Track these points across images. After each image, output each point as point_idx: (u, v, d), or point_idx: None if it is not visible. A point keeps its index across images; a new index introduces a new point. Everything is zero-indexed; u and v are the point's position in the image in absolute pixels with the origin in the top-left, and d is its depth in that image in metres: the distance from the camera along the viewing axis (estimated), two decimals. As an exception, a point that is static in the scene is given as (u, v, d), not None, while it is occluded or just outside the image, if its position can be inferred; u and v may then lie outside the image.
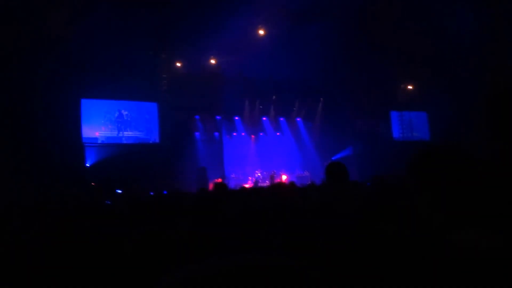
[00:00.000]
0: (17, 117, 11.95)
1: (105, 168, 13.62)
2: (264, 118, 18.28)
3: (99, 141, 14.54)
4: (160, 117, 15.53)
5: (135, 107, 15.39)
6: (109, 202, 7.18)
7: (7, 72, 11.67)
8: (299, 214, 2.76)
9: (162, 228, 2.67)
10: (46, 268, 2.22)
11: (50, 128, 12.29)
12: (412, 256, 1.15)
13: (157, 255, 2.21)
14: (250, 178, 16.75)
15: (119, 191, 10.86)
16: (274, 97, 17.61)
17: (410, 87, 18.37)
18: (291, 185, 4.15)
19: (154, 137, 15.50)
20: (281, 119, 18.55)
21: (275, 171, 16.69)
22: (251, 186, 14.76)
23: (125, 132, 15.08)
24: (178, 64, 15.41)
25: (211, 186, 14.78)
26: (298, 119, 18.68)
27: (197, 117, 16.58)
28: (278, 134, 18.68)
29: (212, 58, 15.33)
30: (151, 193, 10.23)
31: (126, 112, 15.16)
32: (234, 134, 17.92)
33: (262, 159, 17.68)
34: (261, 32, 14.22)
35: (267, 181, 16.16)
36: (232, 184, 15.49)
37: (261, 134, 18.42)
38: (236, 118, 17.73)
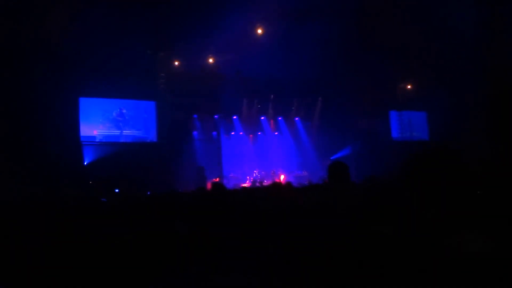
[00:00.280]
0: (15, 115, 11.93)
1: (103, 166, 13.61)
2: (262, 118, 18.27)
3: (97, 140, 14.51)
4: (158, 116, 15.51)
5: (133, 106, 15.37)
6: (104, 200, 7.16)
7: (5, 71, 11.63)
8: (298, 215, 2.75)
9: (160, 228, 2.66)
10: (43, 266, 2.22)
11: (48, 126, 12.27)
12: (406, 256, 1.15)
13: (155, 254, 2.20)
14: (248, 177, 16.74)
15: (117, 190, 10.86)
16: (272, 96, 17.60)
17: (409, 87, 18.39)
18: (288, 185, 4.15)
19: (152, 136, 15.48)
20: (280, 118, 18.54)
21: (274, 170, 16.69)
22: (249, 186, 14.77)
23: (122, 131, 15.06)
24: (176, 63, 15.39)
25: (209, 185, 14.78)
26: (297, 118, 18.67)
27: (195, 116, 16.57)
28: (276, 133, 18.68)
29: (210, 57, 15.32)
30: (148, 192, 10.23)
31: (124, 111, 15.14)
32: (232, 133, 17.90)
33: (260, 159, 17.68)
34: (260, 31, 14.21)
35: (265, 180, 16.16)
36: (230, 183, 15.50)
37: (259, 133, 18.41)
38: (234, 117, 17.72)
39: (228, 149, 17.43)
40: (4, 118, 11.67)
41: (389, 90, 17.85)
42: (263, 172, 16.91)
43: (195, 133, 16.63)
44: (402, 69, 16.50)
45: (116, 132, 14.94)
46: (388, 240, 1.25)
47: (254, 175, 16.71)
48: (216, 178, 15.54)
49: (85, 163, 14.01)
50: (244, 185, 15.24)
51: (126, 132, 15.11)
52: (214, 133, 17.12)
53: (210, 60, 15.37)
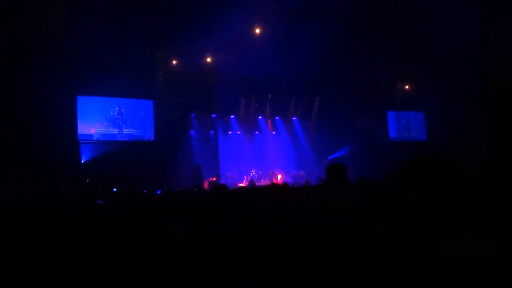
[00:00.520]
0: (13, 113, 11.90)
1: (100, 165, 13.58)
2: (259, 117, 18.27)
3: (94, 138, 14.49)
4: (156, 115, 15.49)
5: (131, 105, 15.35)
6: (101, 202, 7.15)
7: (3, 69, 11.60)
8: (296, 215, 2.76)
9: (158, 228, 2.65)
10: (40, 265, 2.21)
11: (45, 124, 12.25)
12: (402, 259, 1.15)
13: (153, 255, 2.19)
14: (245, 177, 16.74)
15: (115, 190, 10.85)
16: (270, 96, 17.60)
17: (407, 87, 18.41)
18: (284, 186, 4.16)
19: (149, 135, 15.46)
20: (277, 118, 18.54)
21: (273, 170, 16.69)
22: (246, 185, 14.76)
23: (120, 129, 15.05)
24: (174, 62, 15.38)
25: (206, 184, 14.78)
26: (294, 118, 18.67)
27: (192, 115, 16.56)
28: (273, 133, 18.68)
29: (208, 56, 15.32)
30: (145, 191, 10.22)
31: (122, 110, 15.13)
32: (230, 132, 17.90)
33: (258, 158, 17.68)
34: (257, 30, 14.21)
35: (262, 180, 16.17)
36: (227, 182, 15.49)
37: (256, 133, 18.41)
38: (232, 116, 17.72)
39: (225, 148, 17.42)
40: (1, 115, 11.64)
41: (387, 90, 17.86)
42: (260, 172, 16.92)
43: (192, 132, 16.61)
44: (400, 70, 16.51)
45: (115, 130, 14.91)
46: (384, 242, 1.25)
47: (251, 174, 16.72)
48: (213, 177, 15.54)
49: (82, 162, 13.99)
50: (241, 184, 15.24)
51: (125, 130, 15.09)
52: (212, 132, 17.11)
53: (208, 60, 15.37)
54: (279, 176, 16.40)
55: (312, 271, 1.23)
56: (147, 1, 12.48)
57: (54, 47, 12.23)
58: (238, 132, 17.99)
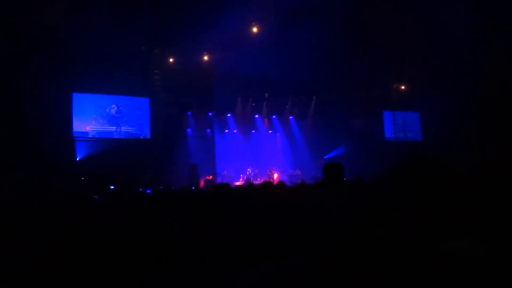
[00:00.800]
0: (8, 110, 11.83)
1: (96, 162, 13.53)
2: (256, 116, 18.28)
3: (90, 136, 14.43)
4: (152, 113, 15.46)
5: (127, 102, 15.30)
6: (96, 197, 7.13)
7: (-1, 66, 11.56)
8: (293, 215, 2.76)
9: (156, 227, 2.64)
10: (35, 262, 2.19)
11: (41, 121, 12.21)
12: (399, 259, 1.16)
13: (151, 254, 2.18)
14: (241, 175, 16.75)
15: (112, 187, 10.82)
16: (266, 94, 17.61)
17: (403, 87, 18.48)
18: (281, 184, 4.15)
19: (146, 133, 15.43)
20: (274, 117, 18.55)
21: (271, 168, 16.69)
22: (242, 184, 14.77)
23: (116, 127, 15.01)
24: (171, 60, 15.35)
25: (202, 182, 14.77)
26: (291, 117, 18.70)
27: (189, 113, 16.53)
28: (270, 131, 18.70)
29: (205, 55, 15.31)
30: (140, 189, 10.21)
31: (120, 108, 15.09)
32: (226, 131, 17.90)
33: (254, 157, 17.69)
34: (255, 29, 14.22)
35: (259, 179, 16.17)
36: (224, 181, 15.48)
37: (253, 131, 18.42)
38: (229, 115, 17.72)
39: (221, 147, 17.42)
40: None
41: (383, 91, 17.94)
42: (256, 170, 16.93)
43: (188, 130, 16.59)
44: (396, 70, 16.58)
45: (111, 128, 14.87)
46: (381, 242, 1.25)
47: (248, 173, 16.73)
48: (209, 175, 15.53)
49: (78, 159, 13.94)
50: (237, 183, 15.24)
51: (122, 128, 15.06)
52: (208, 130, 17.10)
53: (205, 58, 15.36)
54: (276, 175, 16.41)
55: (311, 271, 1.21)
56: (145, -1, 12.47)
57: (50, 44, 12.20)
58: (235, 131, 17.99)
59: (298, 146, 18.46)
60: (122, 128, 15.06)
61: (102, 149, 14.15)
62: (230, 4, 12.14)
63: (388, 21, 13.18)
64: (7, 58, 11.66)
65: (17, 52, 11.75)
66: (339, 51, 14.69)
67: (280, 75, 16.00)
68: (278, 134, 18.77)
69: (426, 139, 18.71)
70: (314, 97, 18.18)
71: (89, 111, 14.50)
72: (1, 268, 2.19)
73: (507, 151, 14.86)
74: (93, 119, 14.56)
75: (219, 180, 15.36)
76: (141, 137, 15.37)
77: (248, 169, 16.90)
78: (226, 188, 3.58)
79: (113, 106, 14.98)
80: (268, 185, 3.78)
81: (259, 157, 17.71)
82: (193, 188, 9.83)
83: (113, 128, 14.91)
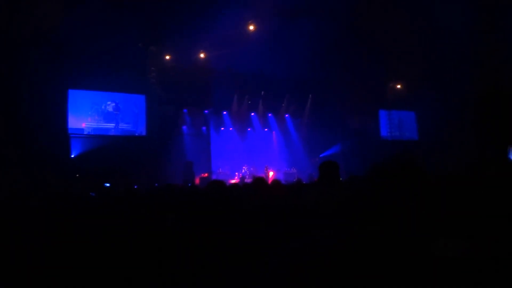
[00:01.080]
0: (3, 106, 11.77)
1: (91, 159, 13.50)
2: (252, 114, 18.29)
3: (85, 132, 14.39)
4: (148, 110, 15.43)
5: (123, 99, 15.26)
6: (93, 194, 7.10)
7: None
8: (290, 213, 2.76)
9: (153, 224, 2.64)
10: (32, 258, 2.21)
11: (36, 117, 12.16)
12: (392, 257, 1.16)
13: (151, 253, 2.18)
14: (237, 173, 16.76)
15: (107, 185, 10.78)
16: (263, 92, 17.62)
17: (398, 86, 18.56)
18: (276, 183, 4.15)
19: (141, 130, 15.40)
20: (270, 114, 18.57)
21: (267, 166, 16.70)
22: (238, 182, 14.78)
23: (115, 124, 14.99)
24: (167, 57, 15.33)
25: (197, 180, 14.76)
26: (287, 115, 18.73)
27: (185, 110, 16.52)
28: (266, 129, 18.72)
29: (201, 52, 15.29)
30: (136, 186, 10.19)
31: (119, 105, 15.07)
32: (222, 128, 17.90)
33: (249, 155, 17.70)
34: (251, 27, 14.22)
35: (254, 176, 16.14)
36: (219, 179, 15.46)
37: (249, 129, 18.43)
38: (225, 112, 17.72)
39: (217, 145, 17.41)
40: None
41: (379, 90, 18.01)
42: (252, 168, 16.94)
43: (184, 127, 16.58)
44: (392, 69, 16.63)
45: (107, 125, 14.83)
46: (377, 239, 1.26)
47: (243, 171, 16.74)
48: (204, 173, 15.53)
49: (72, 156, 13.89)
50: (232, 181, 15.25)
51: (119, 125, 15.04)
52: (204, 128, 17.08)
53: (202, 56, 15.35)
54: (271, 173, 16.43)
55: (309, 270, 1.22)
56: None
57: (46, 40, 12.17)
58: (231, 129, 18.00)
59: (294, 144, 18.50)
60: (122, 125, 15.05)
61: (97, 146, 14.12)
62: (227, 2, 12.15)
63: (384, 20, 13.21)
64: (3, 54, 11.59)
65: (13, 48, 11.69)
66: (336, 50, 14.72)
67: (276, 73, 16.04)
68: (274, 132, 18.78)
69: (421, 138, 18.82)
70: (310, 96, 18.21)
71: (84, 108, 14.46)
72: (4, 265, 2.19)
73: (501, 150, 14.96)
74: (88, 115, 14.52)
75: (214, 178, 15.35)
76: (137, 134, 15.34)
77: (244, 167, 16.91)
78: (221, 186, 3.57)
79: (109, 103, 14.94)
80: (260, 182, 3.73)
81: (254, 155, 17.73)
82: (190, 185, 9.81)
83: (111, 125, 14.88)
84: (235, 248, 2.05)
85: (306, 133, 18.40)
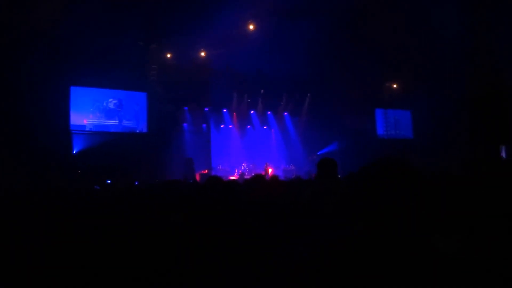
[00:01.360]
0: (5, 103, 11.85)
1: (92, 156, 13.60)
2: (252, 112, 18.45)
3: (87, 129, 14.52)
4: (149, 107, 15.54)
5: (124, 96, 15.39)
6: (97, 187, 7.23)
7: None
8: (289, 211, 2.83)
9: (156, 223, 2.53)
10: (32, 255, 2.18)
11: (38, 114, 12.19)
12: (389, 255, 1.19)
13: (152, 252, 2.14)
14: (236, 170, 16.94)
15: (108, 181, 10.90)
16: (262, 91, 17.78)
17: (395, 85, 18.76)
18: (275, 179, 4.22)
19: (142, 127, 15.54)
20: (269, 113, 18.74)
21: (268, 162, 16.85)
22: (237, 178, 14.98)
23: (118, 121, 15.13)
24: (168, 55, 15.45)
25: (197, 177, 14.94)
26: (285, 113, 18.89)
27: (185, 108, 16.63)
28: (265, 127, 18.89)
29: (202, 51, 15.42)
30: (136, 183, 10.35)
31: (122, 102, 15.20)
32: (222, 126, 18.06)
33: (249, 152, 17.87)
34: (251, 26, 14.37)
35: (253, 174, 16.28)
36: (219, 175, 15.61)
37: (248, 127, 18.60)
38: (224, 110, 17.87)
39: (217, 142, 17.57)
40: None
41: (375, 89, 18.15)
42: (251, 165, 17.12)
43: (185, 125, 16.67)
44: (388, 68, 16.80)
45: (108, 121, 14.95)
46: (371, 237, 1.26)
47: (242, 168, 16.92)
48: (204, 170, 15.69)
49: (74, 152, 14.02)
50: (232, 177, 15.45)
51: (115, 121, 15.15)
52: (204, 125, 17.22)
53: (202, 54, 15.47)
54: (270, 170, 16.63)
55: (308, 270, 1.22)
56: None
57: (48, 38, 12.18)
58: (230, 126, 18.16)
59: (293, 142, 18.65)
60: (123, 122, 15.18)
61: (98, 143, 14.20)
62: (227, 1, 12.25)
63: (381, 21, 13.36)
64: (5, 51, 11.66)
65: (15, 46, 11.74)
66: (333, 50, 14.89)
67: (275, 72, 16.15)
68: (272, 130, 18.95)
69: (417, 136, 19.02)
70: (309, 94, 18.37)
71: (86, 105, 14.56)
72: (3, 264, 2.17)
73: (495, 149, 15.20)
74: (90, 112, 14.64)
75: (213, 174, 15.51)
76: (138, 131, 15.48)
77: (243, 164, 17.09)
78: (219, 181, 3.56)
79: (110, 100, 15.06)
80: (259, 179, 3.66)
81: (254, 152, 17.90)
82: (191, 181, 10.00)
83: (112, 122, 15.00)
84: (235, 247, 2.01)
85: (304, 131, 18.56)
